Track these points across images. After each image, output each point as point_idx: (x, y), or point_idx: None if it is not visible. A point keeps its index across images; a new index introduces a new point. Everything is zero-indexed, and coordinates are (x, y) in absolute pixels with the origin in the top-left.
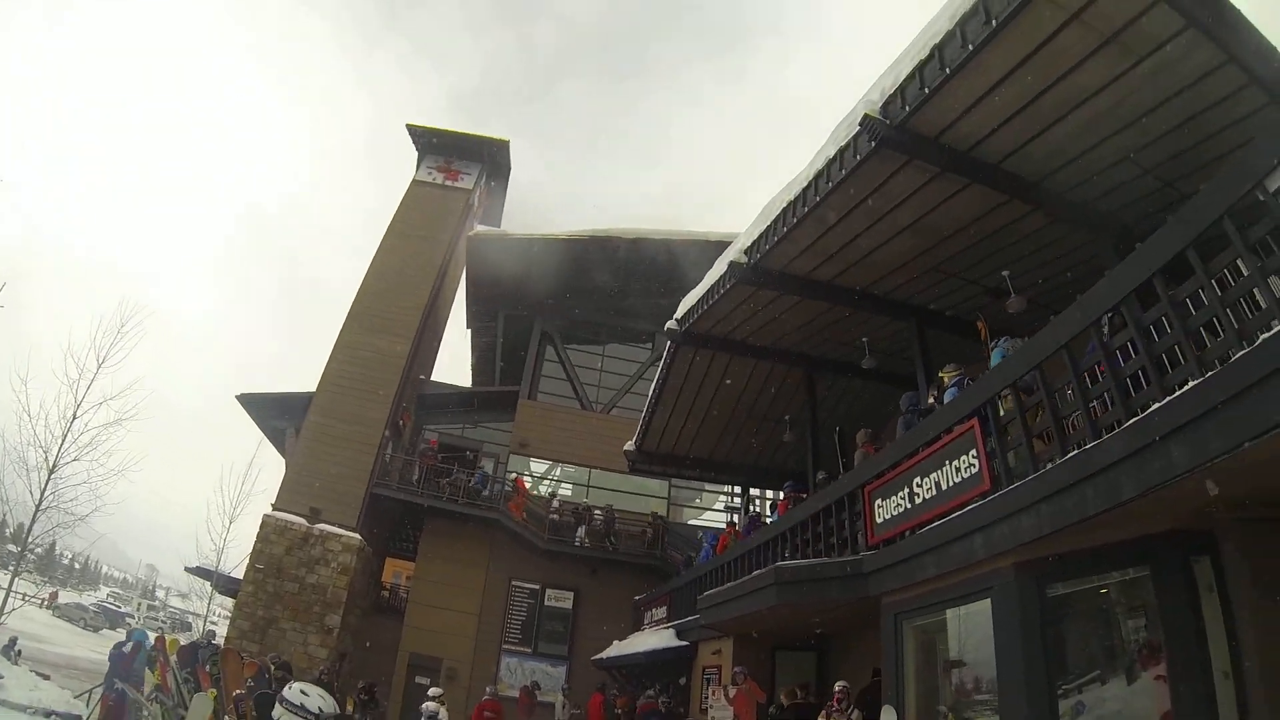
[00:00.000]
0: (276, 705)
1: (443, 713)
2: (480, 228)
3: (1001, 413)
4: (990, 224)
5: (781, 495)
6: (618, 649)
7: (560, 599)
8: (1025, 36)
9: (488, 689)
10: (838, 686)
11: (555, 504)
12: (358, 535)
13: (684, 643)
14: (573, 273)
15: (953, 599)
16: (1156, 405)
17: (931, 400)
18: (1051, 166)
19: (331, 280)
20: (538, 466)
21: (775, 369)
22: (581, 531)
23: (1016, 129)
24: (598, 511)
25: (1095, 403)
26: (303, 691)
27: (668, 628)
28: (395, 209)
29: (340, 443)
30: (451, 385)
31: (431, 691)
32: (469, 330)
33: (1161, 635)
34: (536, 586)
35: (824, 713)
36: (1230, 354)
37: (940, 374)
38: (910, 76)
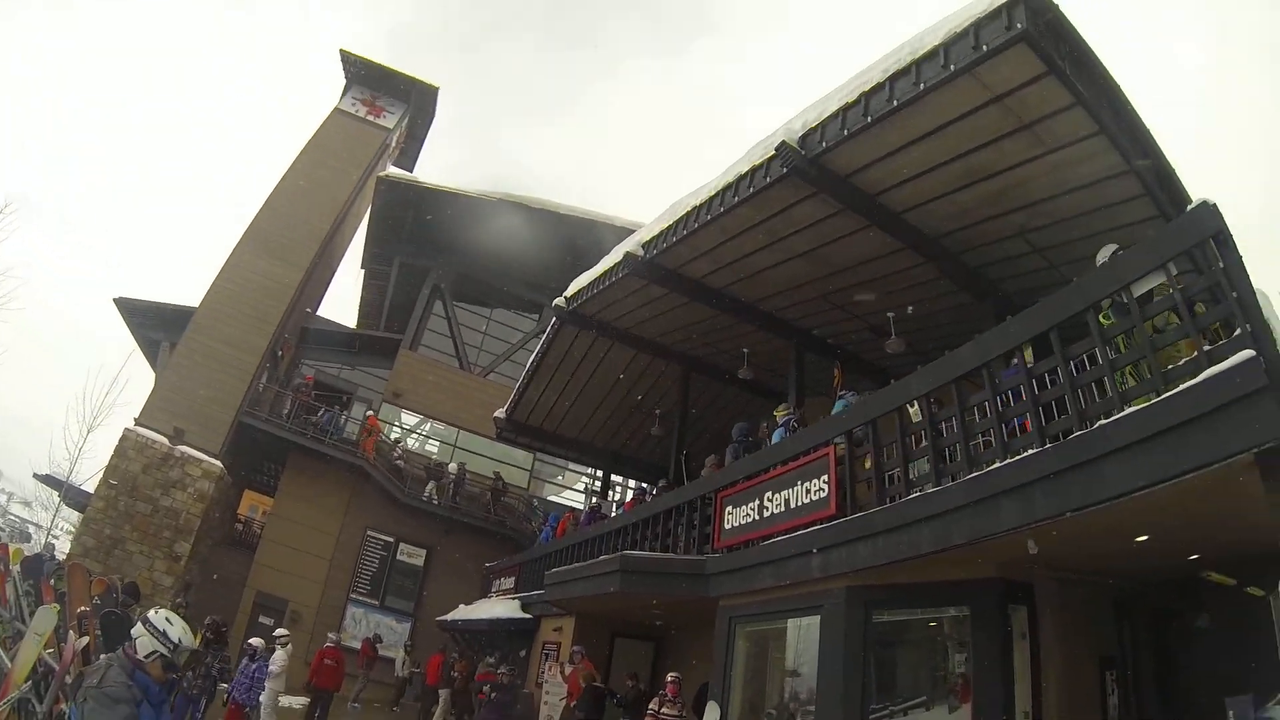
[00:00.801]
0: (138, 625)
1: (282, 655)
2: (393, 169)
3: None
4: (883, 267)
5: (629, 496)
6: (464, 613)
7: (413, 555)
8: (949, 105)
9: (331, 636)
10: (670, 677)
11: (399, 450)
12: (219, 463)
13: (528, 616)
14: (475, 231)
15: (786, 611)
16: (998, 464)
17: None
18: (950, 227)
19: (228, 186)
20: (409, 419)
21: (654, 362)
22: (431, 488)
23: (923, 186)
24: (451, 469)
25: (946, 451)
26: (168, 619)
27: (514, 599)
28: (312, 134)
29: (215, 364)
30: (336, 324)
31: (278, 632)
32: (362, 271)
33: (973, 671)
34: (391, 539)
35: (656, 699)
36: (1071, 431)
37: (774, 412)
38: (834, 115)
